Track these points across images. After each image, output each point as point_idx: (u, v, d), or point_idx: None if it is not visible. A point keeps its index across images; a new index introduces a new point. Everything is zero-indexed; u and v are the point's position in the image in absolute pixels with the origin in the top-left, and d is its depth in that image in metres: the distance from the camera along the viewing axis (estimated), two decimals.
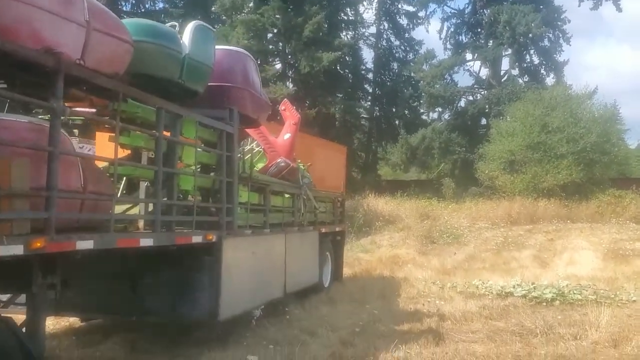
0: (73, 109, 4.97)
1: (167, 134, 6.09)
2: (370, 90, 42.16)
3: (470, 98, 41.35)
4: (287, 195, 10.04)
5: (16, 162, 3.96)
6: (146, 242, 5.43)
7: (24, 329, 5.01)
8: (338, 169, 18.69)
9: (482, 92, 40.93)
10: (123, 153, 5.99)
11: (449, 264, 16.81)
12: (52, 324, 8.12)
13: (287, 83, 34.48)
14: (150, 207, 6.20)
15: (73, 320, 8.18)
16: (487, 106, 38.38)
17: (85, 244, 4.59)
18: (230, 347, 7.28)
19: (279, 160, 9.80)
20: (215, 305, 6.79)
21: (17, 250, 3.89)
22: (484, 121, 39.95)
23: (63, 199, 4.46)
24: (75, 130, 6.59)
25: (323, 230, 11.55)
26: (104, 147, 6.09)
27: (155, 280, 6.92)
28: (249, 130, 9.49)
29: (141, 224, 6.22)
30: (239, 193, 7.73)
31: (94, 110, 5.64)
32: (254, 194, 8.50)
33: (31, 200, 4.14)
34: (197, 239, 6.44)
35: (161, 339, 7.63)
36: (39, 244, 4.04)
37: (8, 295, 5.79)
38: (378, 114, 42.56)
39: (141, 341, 7.46)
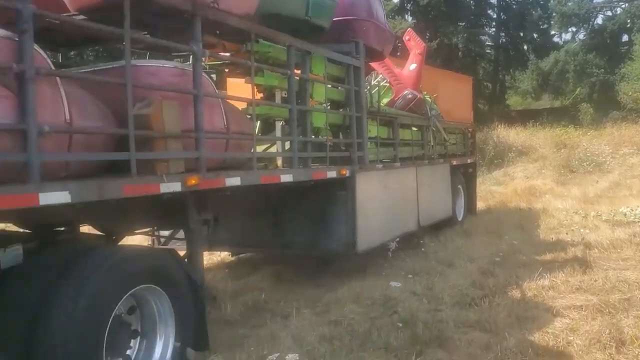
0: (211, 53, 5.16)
1: (298, 72, 6.18)
2: (495, 16, 39.75)
3: (609, 13, 37.69)
4: (415, 128, 9.90)
5: (167, 105, 4.24)
6: (286, 178, 5.64)
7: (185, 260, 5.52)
8: (465, 100, 18.06)
9: (623, 6, 37.07)
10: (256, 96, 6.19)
11: (591, 192, 15.84)
12: (206, 258, 8.80)
13: (406, 16, 33.46)
14: (287, 145, 6.41)
15: (224, 255, 8.82)
16: (628, 20, 34.81)
17: (233, 181, 4.86)
18: (369, 277, 7.48)
19: (406, 92, 9.64)
20: (352, 238, 6.97)
21: (175, 187, 4.21)
22: (625, 38, 36.35)
23: (210, 139, 4.72)
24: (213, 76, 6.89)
25: (454, 162, 11.31)
26: (235, 94, 6.33)
27: (295, 215, 7.23)
28: (373, 64, 9.40)
29: (279, 161, 6.46)
30: (368, 128, 7.73)
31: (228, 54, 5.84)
32: (383, 128, 8.48)
33: (182, 141, 4.43)
34: (331, 174, 6.58)
35: (304, 270, 8.02)
36: (193, 181, 4.34)
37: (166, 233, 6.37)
38: (504, 40, 40.16)
39: (286, 272, 7.89)
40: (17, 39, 3.23)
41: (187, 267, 4.59)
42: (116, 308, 3.76)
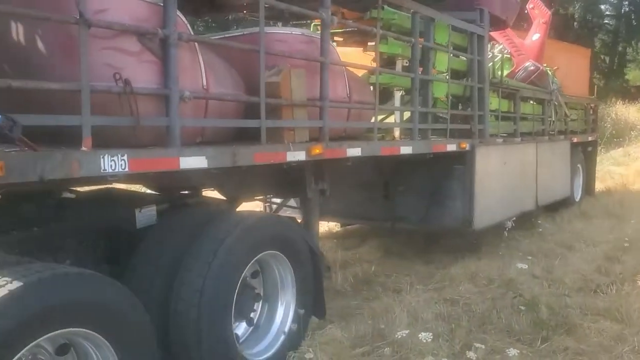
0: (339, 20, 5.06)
1: (420, 40, 5.96)
2: None
3: None
4: (535, 102, 9.35)
5: (295, 73, 4.20)
6: (406, 150, 5.49)
7: None
8: (581, 74, 16.85)
9: None
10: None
11: None
12: None
13: None
14: (405, 115, 6.24)
15: (331, 225, 8.84)
16: None
17: (354, 151, 4.79)
18: (484, 256, 7.22)
19: (528, 63, 9.10)
20: (469, 214, 6.73)
21: (300, 155, 4.19)
22: None
23: (332, 108, 4.65)
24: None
25: (574, 139, 10.63)
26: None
27: (408, 188, 7.07)
28: (493, 34, 8.93)
29: (397, 133, 6.31)
30: (489, 100, 7.37)
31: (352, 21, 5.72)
32: (504, 101, 8.06)
33: (307, 110, 4.39)
34: (451, 147, 6.35)
35: (413, 245, 7.87)
36: (317, 150, 4.30)
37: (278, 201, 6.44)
38: (627, 9, 37.04)
39: (395, 246, 7.78)
40: (161, 4, 3.28)
41: (307, 235, 4.59)
42: (245, 271, 3.82)
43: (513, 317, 5.03)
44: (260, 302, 4.30)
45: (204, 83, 3.62)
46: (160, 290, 3.65)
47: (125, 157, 2.99)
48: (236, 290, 3.74)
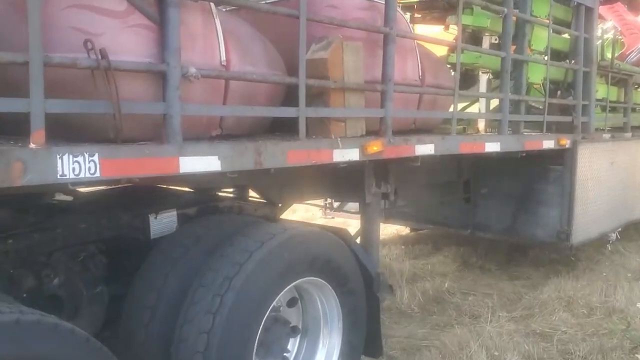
0: None
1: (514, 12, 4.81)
2: None
3: None
4: None
5: (349, 47, 3.24)
6: (492, 147, 4.41)
7: (358, 239, 4.62)
8: None
9: None
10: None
11: None
12: (382, 228, 7.90)
13: None
14: (492, 104, 5.13)
15: (400, 228, 7.82)
16: None
17: (425, 149, 3.78)
18: (583, 275, 6.01)
19: None
20: (566, 226, 5.55)
21: (352, 155, 3.25)
22: None
23: (399, 94, 3.66)
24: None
25: None
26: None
27: (492, 191, 5.98)
28: (601, 9, 7.52)
29: (481, 125, 5.22)
30: (596, 87, 6.09)
31: None
32: (613, 89, 6.72)
33: (365, 95, 3.42)
34: (548, 143, 5.18)
35: (496, 256, 6.76)
36: (375, 148, 3.34)
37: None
38: None
39: (474, 257, 6.70)
40: None
41: (362, 254, 3.64)
42: (272, 304, 2.93)
43: None
44: (298, 338, 3.41)
45: (222, 58, 2.73)
46: (161, 329, 2.84)
47: (95, 158, 2.15)
48: (259, 329, 2.86)
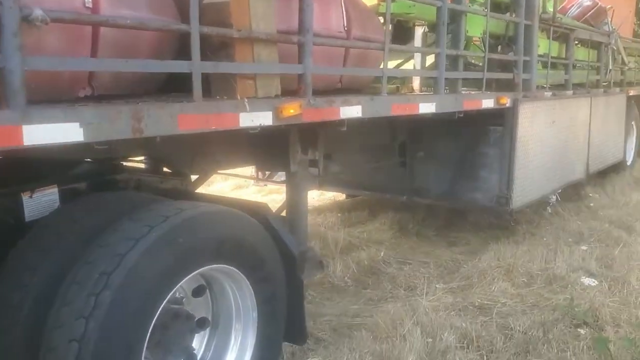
0: None
1: None
2: None
3: None
4: (586, 47, 7.64)
5: None
6: (427, 107, 3.99)
7: (284, 213, 4.17)
8: (625, 16, 14.73)
9: None
10: None
11: None
12: (316, 196, 7.50)
13: None
14: (428, 61, 4.71)
15: (336, 195, 7.42)
16: None
17: (351, 111, 3.31)
18: (523, 240, 5.78)
19: None
20: (507, 190, 5.26)
21: (265, 119, 2.75)
22: None
23: (320, 47, 3.17)
24: None
25: (631, 92, 8.91)
26: None
27: (429, 155, 5.63)
28: None
29: (416, 83, 4.79)
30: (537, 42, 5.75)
31: None
32: (554, 44, 6.41)
33: (278, 48, 2.91)
34: (487, 103, 4.82)
35: (434, 220, 6.47)
36: (292, 111, 2.85)
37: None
38: None
39: (411, 223, 6.38)
40: None
41: (283, 232, 3.18)
42: (165, 299, 2.44)
43: (571, 344, 3.63)
44: (208, 332, 2.95)
45: None
46: (27, 335, 2.32)
47: None
48: (149, 330, 2.36)
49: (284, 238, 3.15)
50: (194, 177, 4.09)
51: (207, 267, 2.58)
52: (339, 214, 6.72)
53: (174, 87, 2.82)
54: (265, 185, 7.02)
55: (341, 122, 3.33)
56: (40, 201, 2.92)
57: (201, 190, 4.23)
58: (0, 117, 1.81)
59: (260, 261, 2.86)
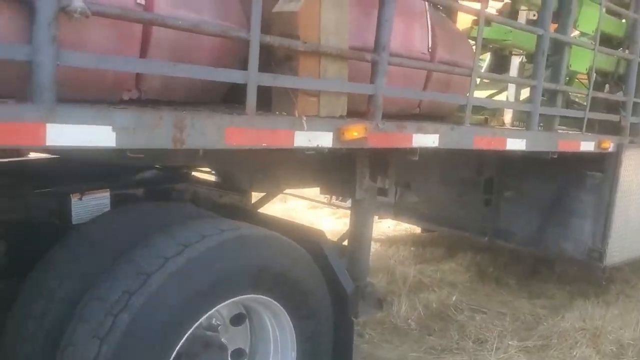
0: None
1: None
2: None
3: None
4: None
5: (328, 1, 2.48)
6: (516, 144, 3.59)
7: (346, 241, 3.90)
8: None
9: None
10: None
11: None
12: (391, 225, 7.15)
13: None
14: (523, 94, 4.30)
15: (411, 227, 7.01)
16: None
17: (426, 140, 3.00)
18: (614, 303, 5.15)
19: None
20: (600, 243, 4.70)
21: (323, 140, 2.50)
22: None
23: (398, 68, 2.89)
24: None
25: None
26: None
27: (518, 194, 5.16)
28: None
29: (507, 117, 4.38)
30: None
31: None
32: None
33: (350, 65, 2.66)
34: (586, 145, 4.31)
35: (516, 267, 5.93)
36: (355, 134, 2.58)
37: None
38: None
39: (491, 267, 5.88)
40: None
41: (337, 266, 2.90)
42: (190, 330, 2.22)
43: None
44: None
45: None
46: (46, 349, 2.18)
47: None
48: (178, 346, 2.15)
49: (337, 272, 2.86)
50: (259, 195, 3.92)
51: (242, 296, 2.34)
52: (412, 248, 6.33)
53: (235, 99, 2.64)
54: (338, 208, 6.76)
55: (413, 151, 3.02)
56: (89, 204, 2.83)
57: (268, 207, 4.06)
58: (21, 112, 1.67)
59: (304, 296, 2.58)
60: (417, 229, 6.92)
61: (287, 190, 4.45)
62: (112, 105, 1.92)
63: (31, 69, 1.69)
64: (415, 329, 4.48)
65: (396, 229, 7.18)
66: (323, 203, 5.90)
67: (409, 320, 4.57)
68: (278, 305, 2.51)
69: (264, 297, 2.44)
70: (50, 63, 1.70)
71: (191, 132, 2.03)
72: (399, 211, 5.84)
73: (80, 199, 2.80)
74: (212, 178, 3.93)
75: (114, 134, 1.84)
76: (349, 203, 5.79)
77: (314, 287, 2.64)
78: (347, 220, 6.85)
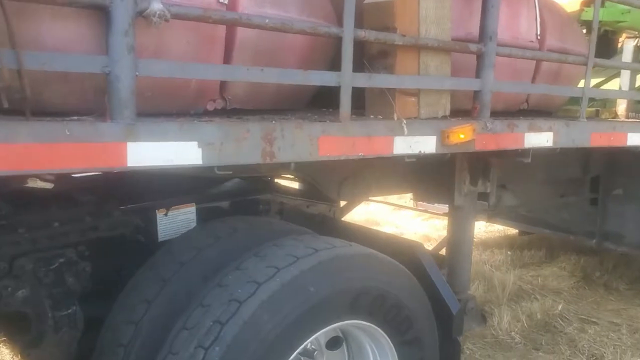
0: None
1: None
2: None
3: None
4: None
5: None
6: (638, 139, 3.15)
7: (443, 250, 3.60)
8: None
9: None
10: None
11: None
12: (483, 227, 6.73)
13: None
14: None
15: (506, 228, 6.55)
16: None
17: (539, 139, 2.65)
18: None
19: None
20: None
21: (426, 145, 2.22)
22: None
23: (504, 59, 2.56)
24: None
25: None
26: None
27: (629, 193, 4.64)
28: None
29: (621, 107, 3.92)
30: None
31: None
32: None
33: (451, 58, 2.36)
34: None
35: (626, 272, 5.39)
36: (462, 136, 2.28)
37: None
38: None
39: (598, 271, 5.37)
40: None
41: (440, 283, 2.62)
42: (291, 356, 2.01)
43: None
44: None
45: None
46: None
47: None
48: None
49: (441, 291, 2.57)
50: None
51: (340, 323, 2.10)
52: (509, 252, 5.90)
53: (323, 102, 2.41)
54: (425, 210, 6.41)
55: (524, 153, 2.68)
56: (176, 220, 2.69)
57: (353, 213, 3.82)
58: (99, 131, 1.50)
59: (408, 320, 2.31)
60: (512, 231, 6.47)
61: None
62: (196, 118, 1.73)
63: (109, 83, 1.52)
64: (520, 343, 4.10)
65: (488, 230, 6.75)
66: (406, 208, 5.53)
67: (512, 333, 4.20)
68: (379, 330, 2.26)
69: (364, 322, 2.19)
70: (128, 74, 1.52)
71: (281, 145, 1.81)
72: (493, 213, 5.43)
73: (166, 214, 2.66)
74: (295, 185, 3.73)
75: (199, 150, 1.65)
76: (437, 206, 5.48)
77: (418, 311, 2.36)
78: (437, 223, 6.59)
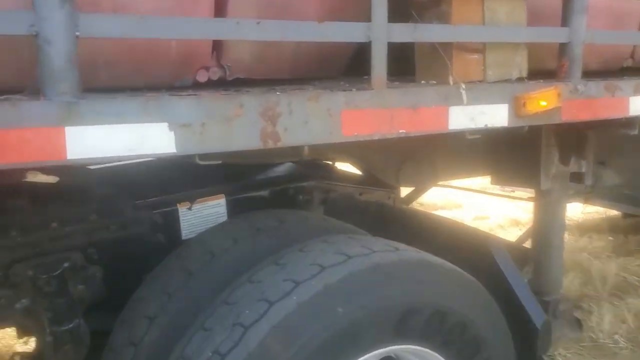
0: None
1: None
2: None
3: None
4: None
5: None
6: None
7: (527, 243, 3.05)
8: None
9: None
10: None
11: None
12: (580, 209, 5.95)
13: None
14: None
15: (605, 211, 5.73)
16: None
17: None
18: None
19: None
20: None
21: (493, 116, 1.69)
22: None
23: (599, 2, 1.96)
24: None
25: None
26: None
27: None
28: None
29: None
30: None
31: None
32: None
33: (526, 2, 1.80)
34: None
35: None
36: (543, 103, 1.73)
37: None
38: None
39: None
40: None
41: (523, 291, 2.09)
42: None
43: None
44: None
45: None
46: None
47: None
48: None
49: (523, 300, 2.04)
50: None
51: (381, 350, 1.63)
52: (610, 237, 5.16)
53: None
54: (513, 191, 5.73)
55: (629, 122, 2.08)
56: (202, 214, 2.33)
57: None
58: (26, 114, 1.11)
59: (475, 341, 1.80)
60: (614, 212, 5.65)
61: None
62: (170, 92, 1.31)
63: (38, 47, 1.12)
64: (626, 348, 3.48)
65: (586, 212, 5.96)
66: (482, 192, 4.84)
67: (616, 336, 3.58)
68: (436, 355, 1.77)
69: (416, 347, 1.71)
70: (63, 35, 1.12)
71: (289, 123, 1.36)
72: (591, 193, 4.70)
73: (190, 208, 2.30)
74: (351, 170, 3.27)
75: (171, 135, 1.23)
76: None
77: (489, 327, 1.85)
78: (521, 205, 5.88)
